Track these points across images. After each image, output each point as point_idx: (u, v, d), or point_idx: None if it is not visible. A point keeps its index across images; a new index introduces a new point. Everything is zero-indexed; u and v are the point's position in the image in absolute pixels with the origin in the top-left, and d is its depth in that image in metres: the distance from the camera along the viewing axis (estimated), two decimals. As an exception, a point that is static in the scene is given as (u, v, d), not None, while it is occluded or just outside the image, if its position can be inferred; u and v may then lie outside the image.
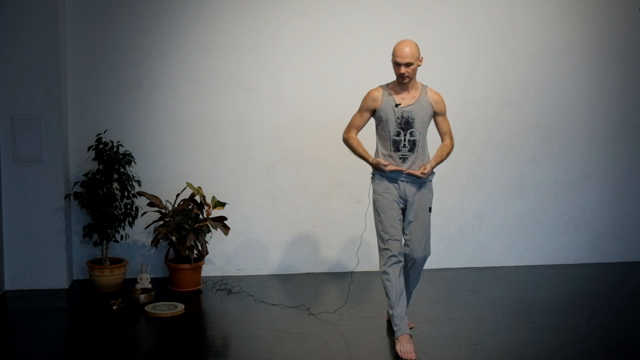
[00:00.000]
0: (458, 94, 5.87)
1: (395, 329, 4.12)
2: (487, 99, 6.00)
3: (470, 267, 6.08)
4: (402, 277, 4.19)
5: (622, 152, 6.28)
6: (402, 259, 4.17)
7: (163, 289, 5.29)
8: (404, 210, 4.24)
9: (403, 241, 4.22)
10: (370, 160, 4.23)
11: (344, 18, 5.75)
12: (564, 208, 6.23)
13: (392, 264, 4.13)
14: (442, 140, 4.36)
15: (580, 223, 6.27)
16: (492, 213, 6.12)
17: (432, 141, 4.39)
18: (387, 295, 4.17)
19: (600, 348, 4.15)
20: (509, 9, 5.97)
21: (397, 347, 4.03)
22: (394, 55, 4.09)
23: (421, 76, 4.47)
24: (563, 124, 6.16)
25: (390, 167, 4.15)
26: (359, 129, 4.33)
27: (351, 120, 4.34)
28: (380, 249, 4.20)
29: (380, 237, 4.20)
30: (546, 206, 6.20)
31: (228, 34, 5.61)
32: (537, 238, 6.21)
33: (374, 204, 4.25)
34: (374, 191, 4.26)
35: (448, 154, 4.32)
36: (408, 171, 4.16)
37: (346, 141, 4.34)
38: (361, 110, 4.28)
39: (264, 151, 5.75)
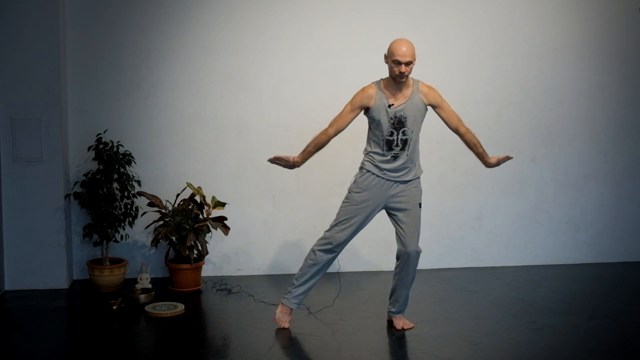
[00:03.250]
0: (458, 94, 5.85)
1: (287, 297, 4.42)
2: (487, 99, 6.00)
3: (470, 267, 6.08)
4: (326, 265, 4.38)
5: (622, 152, 6.28)
6: (338, 252, 4.36)
7: (163, 289, 5.29)
8: (389, 210, 4.32)
9: (347, 244, 4.36)
10: (291, 159, 4.35)
11: (344, 18, 5.74)
12: (564, 208, 6.23)
13: (325, 250, 4.32)
14: (459, 132, 4.38)
15: (580, 223, 6.27)
16: (492, 213, 6.12)
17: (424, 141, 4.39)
18: (301, 269, 4.38)
19: (600, 348, 4.15)
20: (508, 9, 5.97)
21: (277, 312, 4.43)
22: (392, 54, 4.10)
23: (421, 76, 4.47)
24: (563, 124, 6.16)
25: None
26: (341, 129, 4.30)
27: (340, 116, 4.29)
28: (325, 231, 4.36)
29: (335, 223, 4.33)
30: (546, 206, 6.20)
31: (228, 34, 5.61)
32: (537, 238, 6.20)
33: (348, 193, 4.35)
34: (355, 182, 4.33)
35: (478, 141, 4.42)
36: (497, 160, 4.41)
37: (319, 136, 4.31)
38: (353, 106, 4.25)
39: (264, 151, 5.74)
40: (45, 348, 4.08)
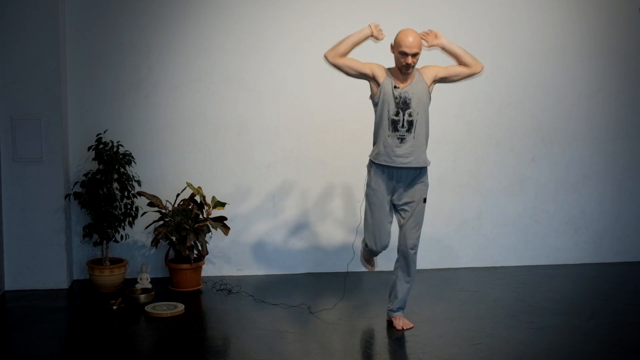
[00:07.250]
0: (458, 94, 5.86)
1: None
2: (487, 99, 6.00)
3: (470, 267, 6.08)
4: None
5: (622, 152, 6.28)
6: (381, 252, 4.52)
7: (163, 289, 5.29)
8: (395, 204, 4.37)
9: (389, 240, 4.44)
10: (363, 31, 4.24)
11: (344, 18, 5.74)
12: (564, 208, 6.23)
13: (370, 252, 4.55)
14: (466, 67, 4.41)
15: (581, 223, 6.27)
16: (492, 213, 6.12)
17: (432, 131, 4.39)
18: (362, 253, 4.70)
19: (600, 348, 4.15)
20: (509, 9, 5.97)
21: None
22: (399, 45, 4.14)
23: (421, 76, 4.47)
24: (563, 124, 6.16)
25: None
26: (346, 62, 4.23)
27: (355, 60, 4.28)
28: (364, 240, 4.52)
29: (367, 231, 4.44)
30: (546, 206, 6.20)
31: (228, 34, 5.61)
32: (537, 238, 6.20)
33: (366, 196, 4.41)
34: (367, 184, 4.39)
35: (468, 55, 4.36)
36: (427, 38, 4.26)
37: (332, 49, 4.22)
38: (367, 64, 4.26)
39: (264, 151, 5.75)
40: (45, 348, 4.08)
